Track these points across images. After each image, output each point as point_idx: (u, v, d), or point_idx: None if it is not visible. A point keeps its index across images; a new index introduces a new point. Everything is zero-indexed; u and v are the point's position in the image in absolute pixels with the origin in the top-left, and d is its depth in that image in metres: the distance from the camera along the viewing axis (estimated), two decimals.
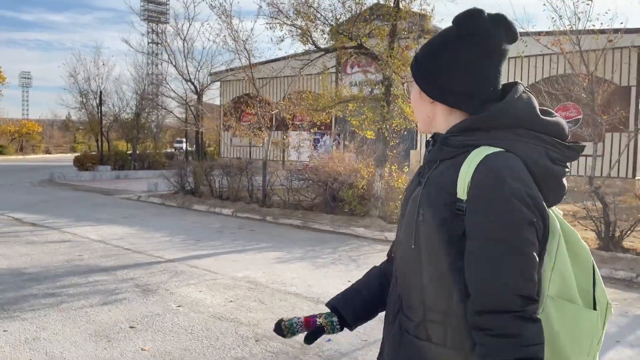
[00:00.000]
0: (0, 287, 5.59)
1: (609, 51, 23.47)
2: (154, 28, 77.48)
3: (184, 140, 39.95)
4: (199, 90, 13.73)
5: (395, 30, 9.80)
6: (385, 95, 9.81)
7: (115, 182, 20.68)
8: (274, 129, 13.11)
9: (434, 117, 1.38)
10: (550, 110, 1.31)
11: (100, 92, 23.11)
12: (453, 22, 1.31)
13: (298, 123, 16.07)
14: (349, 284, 1.66)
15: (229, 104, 33.15)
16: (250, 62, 12.64)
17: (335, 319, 1.57)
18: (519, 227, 1.16)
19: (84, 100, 23.90)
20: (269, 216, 11.49)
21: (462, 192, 1.22)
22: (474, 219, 1.20)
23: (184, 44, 13.71)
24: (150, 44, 77.24)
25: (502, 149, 1.23)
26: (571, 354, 1.23)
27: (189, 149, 35.76)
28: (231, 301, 5.38)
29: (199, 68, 13.63)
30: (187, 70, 13.61)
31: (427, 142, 1.40)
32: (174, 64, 13.93)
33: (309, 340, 1.58)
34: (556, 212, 1.30)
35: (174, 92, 13.71)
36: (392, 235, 9.26)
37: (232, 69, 23.35)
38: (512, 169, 1.19)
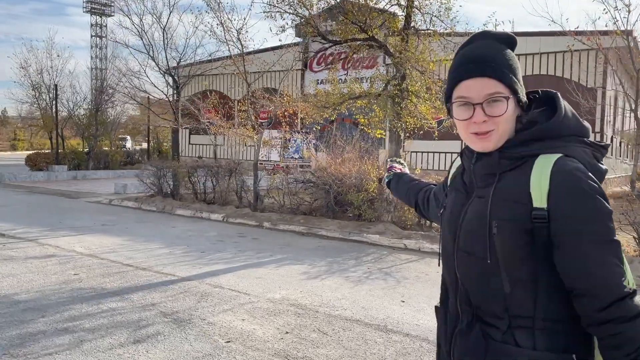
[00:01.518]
0: None
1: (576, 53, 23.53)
2: (97, 21, 74.11)
3: (128, 137, 37.78)
4: (179, 84, 12.57)
5: (409, 21, 9.10)
6: (400, 91, 9.08)
7: (73, 184, 19.11)
8: (268, 127, 12.15)
9: (510, 126, 1.36)
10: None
11: (56, 85, 21.34)
12: (507, 38, 1.39)
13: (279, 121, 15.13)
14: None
15: (189, 99, 31.78)
16: (243, 53, 11.65)
17: (386, 180, 2.10)
18: (607, 219, 1.23)
19: (37, 94, 22.00)
20: (267, 222, 10.56)
21: (539, 201, 1.25)
22: (566, 223, 1.23)
23: (163, 34, 12.57)
24: (93, 37, 73.72)
25: (561, 154, 1.29)
26: None
27: (137, 147, 33.88)
28: (287, 332, 4.50)
29: (180, 60, 12.47)
30: (168, 63, 12.41)
31: (462, 153, 1.47)
32: (151, 55, 12.75)
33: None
34: None
35: (156, 86, 12.51)
36: (411, 243, 8.56)
37: (190, 64, 22.12)
38: (584, 170, 1.26)
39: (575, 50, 23.17)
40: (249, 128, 12.48)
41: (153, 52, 12.51)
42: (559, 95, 1.39)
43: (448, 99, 1.41)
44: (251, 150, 33.56)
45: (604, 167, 1.35)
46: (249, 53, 22.09)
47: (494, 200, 1.31)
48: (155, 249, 7.86)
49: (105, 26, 71.31)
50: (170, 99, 17.29)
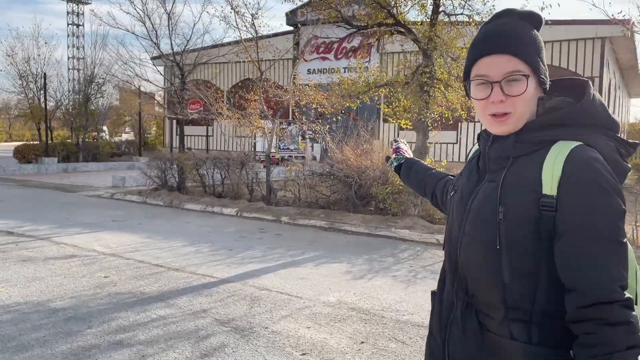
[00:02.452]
0: (39, 334, 4.01)
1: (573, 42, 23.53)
2: (74, 9, 72.00)
3: (104, 128, 36.54)
4: (184, 72, 11.99)
5: (438, 5, 8.70)
6: (429, 79, 8.70)
7: (65, 176, 18.41)
8: (281, 117, 11.69)
9: (530, 110, 1.29)
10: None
11: (44, 74, 20.49)
12: (532, 16, 1.31)
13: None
14: None
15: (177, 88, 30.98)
16: (256, 38, 11.14)
17: (395, 164, 2.00)
18: (617, 218, 1.15)
19: (24, 83, 21.12)
20: (284, 216, 10.14)
21: (549, 188, 1.19)
22: (571, 213, 1.17)
23: (168, 19, 11.92)
24: (70, 26, 71.67)
25: (581, 143, 1.21)
26: None
27: (116, 139, 32.73)
28: (362, 342, 4.12)
29: (185, 47, 11.88)
30: (173, 50, 11.81)
31: (479, 136, 1.41)
32: (155, 41, 12.12)
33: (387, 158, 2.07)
34: None
35: (162, 73, 11.79)
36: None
37: (196, 49, 21.33)
38: (602, 162, 1.19)
39: (573, 40, 23.14)
40: (256, 118, 11.99)
41: (157, 38, 11.95)
42: (590, 83, 1.31)
43: (466, 76, 1.34)
44: (244, 142, 32.92)
45: (627, 165, 1.27)
46: (247, 40, 21.45)
47: (504, 184, 1.26)
48: (180, 247, 7.40)
49: (82, 14, 69.37)
50: (167, 87, 16.61)
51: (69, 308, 4.64)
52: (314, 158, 26.31)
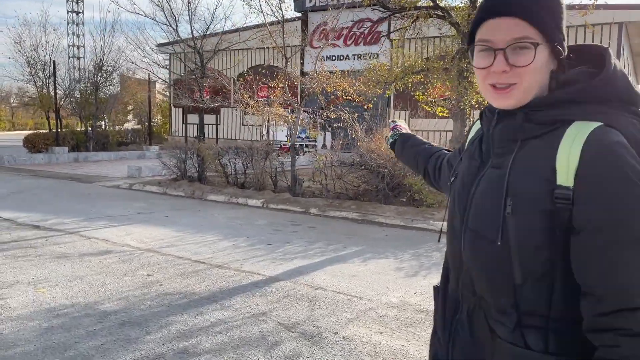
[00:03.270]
0: (96, 342, 3.71)
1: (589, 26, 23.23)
2: None
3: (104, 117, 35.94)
4: (203, 59, 11.59)
5: None
6: (470, 65, 8.33)
7: (78, 166, 18.10)
8: (308, 107, 11.33)
9: (542, 81, 1.11)
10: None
11: (54, 62, 20.08)
12: None
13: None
14: None
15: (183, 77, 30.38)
16: (283, 25, 10.75)
17: (390, 141, 1.89)
18: None
19: (33, 71, 20.71)
20: (313, 208, 9.83)
21: (565, 177, 1.02)
22: (591, 208, 1.00)
23: (188, 3, 11.48)
24: (70, 13, 70.85)
25: (601, 123, 1.03)
26: None
27: (118, 127, 32.12)
28: None
29: (205, 32, 11.46)
30: (193, 35, 11.38)
31: (481, 113, 1.24)
32: (174, 27, 11.70)
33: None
34: None
35: (183, 61, 11.35)
36: None
37: (174, 42, 20.85)
38: (626, 145, 1.01)
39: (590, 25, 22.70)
40: (278, 107, 11.63)
41: (176, 23, 11.54)
42: (610, 51, 1.13)
43: (470, 41, 1.17)
44: (251, 130, 32.53)
45: None
46: (234, 30, 20.93)
47: (512, 172, 1.10)
48: (215, 242, 7.09)
49: (82, 1, 68.58)
50: (184, 75, 16.12)
51: (120, 311, 4.34)
52: (324, 146, 25.99)
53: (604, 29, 22.82)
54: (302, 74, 30.08)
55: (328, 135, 26.06)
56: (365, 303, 4.74)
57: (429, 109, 9.12)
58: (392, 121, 1.98)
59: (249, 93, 12.15)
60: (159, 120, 42.87)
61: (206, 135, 36.03)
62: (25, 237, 6.98)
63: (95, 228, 7.74)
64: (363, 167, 9.72)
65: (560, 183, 1.03)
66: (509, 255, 1.09)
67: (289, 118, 11.47)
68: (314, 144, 26.66)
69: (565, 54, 1.13)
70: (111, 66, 22.20)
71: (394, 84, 9.42)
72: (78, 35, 59.81)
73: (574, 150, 1.02)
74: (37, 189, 12.02)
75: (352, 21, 25.04)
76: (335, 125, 11.02)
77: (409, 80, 8.96)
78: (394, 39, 10.30)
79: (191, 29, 11.69)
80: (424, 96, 9.01)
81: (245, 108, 12.12)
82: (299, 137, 26.98)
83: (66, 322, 4.04)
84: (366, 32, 31.41)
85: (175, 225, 8.16)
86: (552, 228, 1.05)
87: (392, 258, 6.47)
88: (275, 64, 29.26)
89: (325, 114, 12.03)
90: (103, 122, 36.11)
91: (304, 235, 7.77)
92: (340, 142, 10.50)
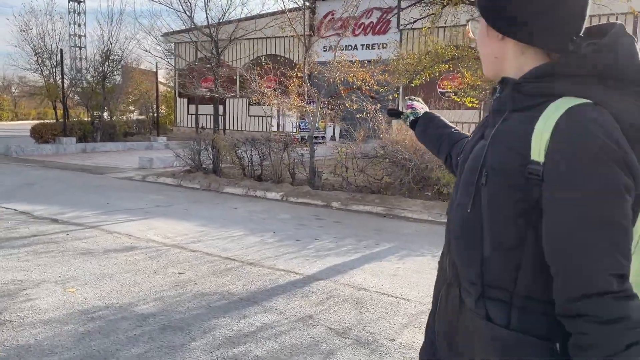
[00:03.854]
0: (139, 349, 3.43)
1: (604, 17, 22.88)
2: None
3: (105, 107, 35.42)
4: (219, 47, 11.23)
5: None
6: None
7: (87, 157, 17.81)
8: (325, 97, 11.02)
9: (503, 58, 1.13)
10: None
11: (61, 50, 19.72)
12: None
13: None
14: None
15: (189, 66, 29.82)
16: (305, 12, 10.40)
17: (411, 119, 1.72)
18: (614, 194, 0.94)
19: (39, 60, 20.36)
20: (335, 201, 9.55)
21: (537, 152, 1.00)
22: (557, 186, 0.97)
23: None
24: (71, 2, 70.24)
25: (588, 101, 1.00)
26: None
27: (129, 117, 31.68)
28: None
29: (221, 19, 11.07)
30: (208, 22, 11.01)
31: (494, 89, 1.21)
32: (189, 14, 11.32)
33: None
34: None
35: (200, 50, 10.96)
36: None
37: (189, 29, 20.47)
38: (604, 124, 0.97)
39: (604, 15, 22.30)
40: (296, 98, 11.31)
41: (191, 11, 11.19)
42: (619, 26, 1.06)
43: None
44: (257, 121, 32.17)
45: None
46: (251, 18, 20.54)
47: (491, 143, 1.09)
48: (241, 237, 6.82)
49: None
50: (199, 64, 15.64)
51: (158, 314, 4.06)
52: (333, 138, 25.65)
53: (619, 19, 22.48)
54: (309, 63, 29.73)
55: (337, 126, 25.76)
56: (415, 306, 4.46)
57: (458, 99, 8.79)
58: (410, 99, 1.86)
59: (259, 83, 11.83)
60: (164, 111, 42.48)
61: (211, 126, 35.75)
62: (45, 232, 6.70)
63: (116, 222, 7.47)
64: (387, 159, 9.42)
65: (533, 158, 1.01)
66: (480, 225, 1.09)
67: (307, 109, 11.14)
68: (322, 135, 26.37)
69: (502, 32, 1.12)
70: (118, 55, 21.82)
71: (423, 73, 9.10)
72: (79, 25, 59.31)
73: (547, 125, 0.99)
74: (49, 181, 11.74)
75: (353, 16, 24.60)
76: (357, 116, 10.70)
77: (437, 69, 8.63)
78: (424, 27, 10.00)
79: (207, 16, 11.33)
80: (452, 86, 8.66)
81: (261, 98, 11.80)
82: (307, 128, 26.73)
83: (103, 327, 3.77)
84: (375, 21, 31.00)
85: (197, 219, 7.89)
86: (523, 203, 1.02)
87: (429, 255, 6.20)
88: (278, 53, 28.72)
89: (343, 105, 11.72)
90: (104, 113, 35.64)
91: (331, 230, 7.50)
92: (363, 133, 10.19)
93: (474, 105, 8.83)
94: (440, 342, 1.26)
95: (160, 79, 44.17)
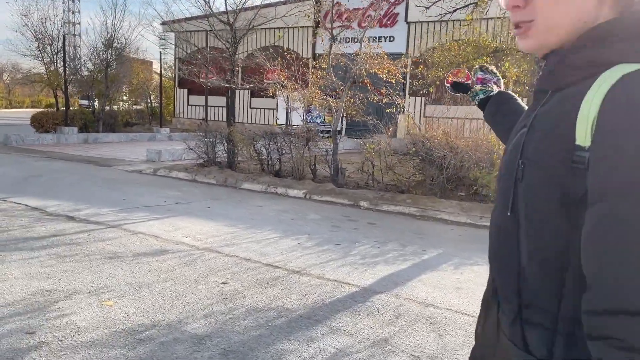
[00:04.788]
0: None
1: None
2: None
3: (92, 95, 34.46)
4: (236, 36, 10.62)
5: None
6: None
7: (90, 148, 17.19)
8: (348, 90, 10.49)
9: (584, 18, 0.87)
10: None
11: (64, 36, 19.04)
12: None
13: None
14: None
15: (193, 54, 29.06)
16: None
17: (480, 97, 1.49)
18: None
19: (40, 46, 19.66)
20: (363, 201, 9.06)
21: (583, 136, 0.80)
22: (605, 172, 0.76)
23: None
24: None
25: None
26: None
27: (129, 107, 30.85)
28: None
29: (241, 6, 10.43)
30: (227, 8, 10.34)
31: (540, 66, 1.19)
32: (206, 0, 10.69)
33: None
34: None
35: (219, 38, 10.33)
36: None
37: (193, 17, 19.80)
38: None
39: None
40: (317, 91, 10.80)
41: None
42: None
43: None
44: (261, 113, 31.56)
45: None
46: (269, 5, 19.99)
47: (532, 129, 0.91)
48: (276, 240, 6.31)
49: None
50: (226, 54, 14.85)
51: (214, 334, 3.55)
52: (340, 132, 25.12)
53: None
54: (314, 56, 29.14)
55: (343, 120, 25.24)
56: None
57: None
58: (482, 69, 1.54)
59: (280, 74, 11.30)
60: (163, 102, 41.68)
61: (214, 118, 35.07)
62: (64, 231, 6.16)
63: (137, 220, 6.93)
64: (420, 156, 8.92)
65: (578, 143, 0.81)
66: (516, 228, 0.91)
67: (330, 102, 10.62)
68: (329, 129, 25.88)
69: None
70: (121, 43, 21.15)
71: (463, 66, 8.61)
72: (74, 12, 58.36)
73: (596, 99, 0.79)
74: (56, 173, 11.16)
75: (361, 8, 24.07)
76: (388, 110, 10.19)
77: (478, 62, 8.15)
78: (410, 22, 9.46)
79: (225, 2, 10.72)
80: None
81: (280, 90, 11.26)
82: (314, 122, 26.17)
83: (156, 351, 3.26)
84: (382, 13, 30.47)
85: (223, 219, 7.36)
86: (568, 199, 0.83)
87: (485, 265, 5.71)
88: (281, 45, 27.99)
89: (365, 99, 11.22)
90: (96, 102, 34.64)
91: (368, 233, 7.00)
92: (391, 129, 9.69)
93: None
94: None
95: (155, 68, 43.35)
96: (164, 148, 15.05)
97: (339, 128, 27.42)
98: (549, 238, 0.86)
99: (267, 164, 10.97)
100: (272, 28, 29.41)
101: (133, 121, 25.77)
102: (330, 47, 10.40)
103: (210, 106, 34.32)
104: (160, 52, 24.15)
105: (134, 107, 32.56)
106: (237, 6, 10.35)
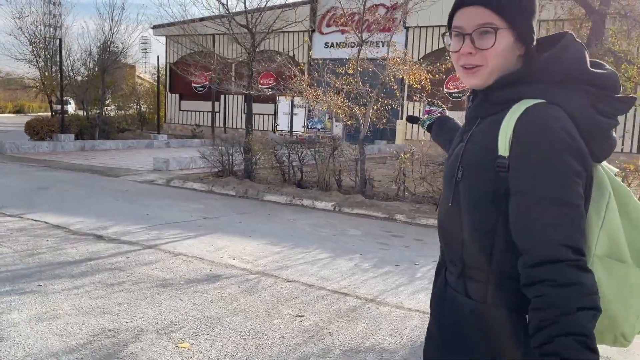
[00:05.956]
0: None
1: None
2: None
3: (70, 100, 33.15)
4: (255, 40, 10.08)
5: None
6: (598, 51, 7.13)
7: (89, 156, 16.52)
8: (375, 98, 10.06)
9: (506, 66, 1.25)
10: (602, 62, 1.25)
11: (60, 39, 18.31)
12: None
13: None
14: None
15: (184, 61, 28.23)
16: (365, 2, 9.44)
17: (427, 124, 1.95)
18: (567, 178, 1.11)
19: (35, 50, 18.90)
20: (398, 214, 8.61)
21: (503, 148, 1.17)
22: (519, 174, 1.14)
23: None
24: None
25: (543, 101, 1.18)
26: (621, 319, 1.17)
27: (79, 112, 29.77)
28: None
29: (264, 8, 9.85)
30: (245, 8, 9.79)
31: (469, 97, 1.39)
32: (222, 2, 10.11)
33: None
34: (607, 170, 1.24)
35: (236, 37, 9.72)
36: None
37: (183, 21, 19.24)
38: (556, 119, 1.15)
39: None
40: (341, 98, 10.35)
41: None
42: (570, 36, 1.24)
43: (448, 28, 1.32)
44: (256, 119, 30.94)
45: (604, 119, 1.20)
46: (288, 6, 19.53)
47: (467, 144, 1.27)
48: (329, 261, 5.83)
49: None
50: (236, 58, 14.18)
51: None
52: (339, 138, 24.70)
53: None
54: (310, 61, 28.67)
55: (340, 125, 24.81)
56: None
57: None
58: (430, 103, 1.96)
59: (301, 79, 10.84)
60: (151, 108, 40.71)
61: (208, 124, 34.36)
62: (98, 253, 5.61)
63: (172, 239, 6.40)
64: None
65: (500, 153, 1.17)
66: (459, 215, 1.25)
67: (355, 109, 10.16)
68: (329, 135, 25.43)
69: (531, 40, 1.24)
70: (117, 47, 20.49)
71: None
72: (55, 16, 57.33)
73: (510, 123, 1.16)
74: (62, 184, 10.53)
75: (357, 12, 23.69)
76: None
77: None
78: (409, 27, 9.16)
79: (244, 3, 10.20)
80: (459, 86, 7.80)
81: (298, 96, 10.79)
82: (315, 127, 25.72)
83: None
84: (380, 17, 30.07)
85: (260, 236, 6.86)
86: (494, 193, 1.19)
87: None
88: (275, 49, 27.30)
89: (389, 106, 10.82)
90: (70, 107, 33.45)
91: (422, 251, 6.56)
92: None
93: None
94: (432, 320, 1.40)
95: (140, 73, 42.47)
96: (172, 156, 14.47)
97: (340, 133, 26.92)
98: (482, 220, 1.20)
99: (289, 174, 10.47)
100: (274, 31, 29.00)
101: (126, 127, 25.01)
102: (359, 51, 9.95)
103: (203, 111, 33.68)
104: (158, 56, 23.44)
105: (119, 112, 31.73)
106: (259, 6, 9.80)
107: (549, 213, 1.09)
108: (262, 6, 11.03)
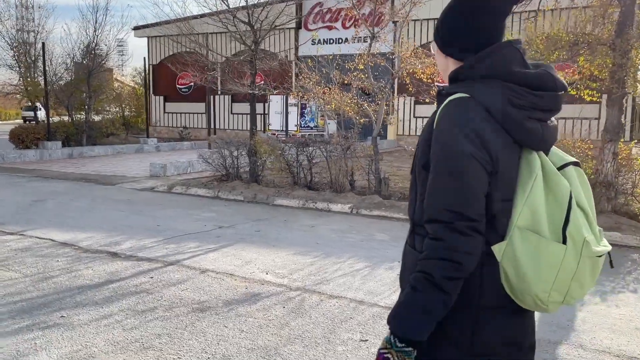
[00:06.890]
0: None
1: None
2: None
3: (39, 106, 32.01)
4: (257, 35, 9.58)
5: None
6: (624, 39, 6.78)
7: (78, 163, 15.86)
8: (392, 96, 9.63)
9: (447, 70, 1.53)
10: (542, 64, 1.44)
11: (43, 44, 17.54)
12: None
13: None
14: None
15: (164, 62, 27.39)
16: None
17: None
18: (458, 157, 1.33)
19: (17, 55, 18.10)
20: None
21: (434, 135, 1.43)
22: (432, 151, 1.40)
23: None
24: None
25: (466, 95, 1.39)
26: (532, 283, 1.32)
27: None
28: None
29: (265, 3, 9.40)
30: (247, 2, 9.28)
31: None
32: None
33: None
34: (542, 156, 1.39)
35: (238, 32, 9.12)
36: None
37: (163, 22, 18.65)
38: (465, 109, 1.36)
39: None
40: (350, 96, 9.91)
41: None
42: (504, 43, 1.43)
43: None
44: (243, 119, 30.26)
45: (516, 111, 1.36)
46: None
47: (422, 132, 1.50)
48: (368, 271, 5.39)
49: None
50: (237, 55, 13.56)
51: None
52: (331, 135, 24.26)
53: None
54: (297, 57, 28.11)
55: (333, 123, 24.36)
56: None
57: (574, 93, 7.51)
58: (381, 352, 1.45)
59: (308, 75, 10.37)
60: (134, 111, 39.66)
61: (194, 125, 33.64)
62: (118, 274, 5.09)
63: (193, 253, 5.90)
64: None
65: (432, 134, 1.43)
66: (415, 183, 1.52)
67: (366, 106, 9.73)
68: (322, 133, 24.97)
69: (452, 55, 1.52)
70: (102, 50, 19.77)
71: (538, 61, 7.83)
72: (28, 20, 55.97)
73: (440, 112, 1.41)
74: (59, 196, 9.93)
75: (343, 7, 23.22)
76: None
77: (551, 58, 7.36)
78: (396, 20, 8.93)
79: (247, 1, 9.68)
80: (568, 77, 7.44)
81: (304, 95, 10.33)
82: (308, 126, 25.21)
83: None
84: (367, 13, 29.70)
85: (285, 245, 6.39)
86: (426, 165, 1.43)
87: (614, 293, 4.93)
88: (267, 48, 26.77)
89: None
90: (40, 113, 32.39)
91: None
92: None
93: (594, 99, 7.62)
94: (401, 269, 1.62)
95: (117, 76, 41.37)
96: (167, 161, 13.90)
97: (331, 132, 26.36)
98: (422, 186, 1.46)
99: (299, 177, 10.00)
100: (276, 27, 28.40)
101: (112, 132, 24.24)
102: (370, 45, 9.50)
103: (189, 113, 32.96)
104: (145, 58, 22.71)
105: (105, 116, 30.81)
106: (254, 3, 9.28)
107: (439, 183, 1.35)
108: (263, 0, 10.50)
